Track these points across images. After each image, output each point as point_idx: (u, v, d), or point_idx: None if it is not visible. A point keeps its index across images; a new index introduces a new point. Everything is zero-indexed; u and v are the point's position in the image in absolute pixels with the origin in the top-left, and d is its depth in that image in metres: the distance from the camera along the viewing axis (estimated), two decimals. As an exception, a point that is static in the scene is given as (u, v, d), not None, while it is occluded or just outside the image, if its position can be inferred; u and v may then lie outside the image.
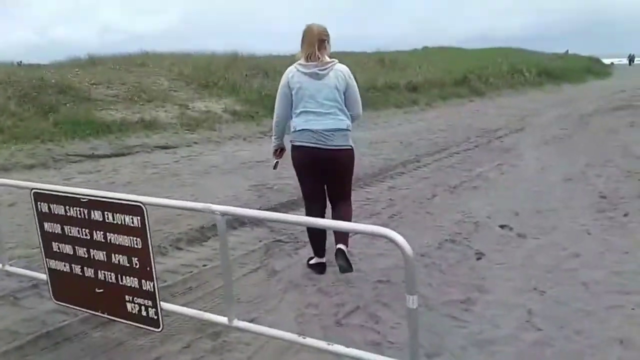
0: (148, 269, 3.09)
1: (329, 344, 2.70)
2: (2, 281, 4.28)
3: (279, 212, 6.08)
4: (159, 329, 3.09)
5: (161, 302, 3.11)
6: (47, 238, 3.46)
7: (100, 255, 3.25)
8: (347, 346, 2.72)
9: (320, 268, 4.48)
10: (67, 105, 11.27)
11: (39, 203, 3.43)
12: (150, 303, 3.12)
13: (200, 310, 3.40)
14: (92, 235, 3.26)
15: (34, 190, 3.43)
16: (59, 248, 3.42)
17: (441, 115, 16.94)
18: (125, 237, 3.13)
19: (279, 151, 4.71)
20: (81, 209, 3.26)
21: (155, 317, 3.12)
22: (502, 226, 5.63)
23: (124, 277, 3.19)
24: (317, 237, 4.50)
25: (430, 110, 18.41)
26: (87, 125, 10.54)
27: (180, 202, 3.08)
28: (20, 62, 17.81)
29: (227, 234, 2.97)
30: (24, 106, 10.78)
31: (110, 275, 3.25)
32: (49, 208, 3.40)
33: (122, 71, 15.15)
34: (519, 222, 5.74)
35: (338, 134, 4.26)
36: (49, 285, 3.52)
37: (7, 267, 3.91)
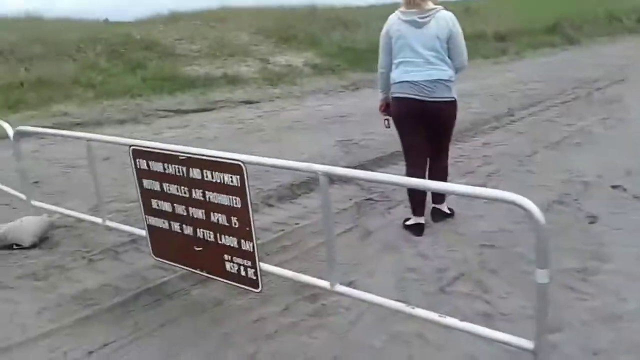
0: (247, 229, 2.99)
1: (440, 316, 2.50)
2: (103, 235, 4.38)
3: (368, 169, 5.87)
4: (258, 290, 3.01)
5: (260, 263, 3.01)
6: (146, 195, 3.43)
7: (199, 213, 3.19)
8: (456, 316, 2.53)
9: (418, 229, 4.26)
10: (153, 61, 11.45)
11: (137, 160, 3.40)
12: (249, 263, 3.04)
13: (296, 271, 3.30)
14: (190, 193, 3.19)
15: (132, 147, 3.40)
16: (158, 205, 3.39)
17: (533, 65, 15.91)
18: (224, 195, 3.03)
19: (386, 106, 4.44)
20: (179, 167, 3.19)
21: (255, 278, 3.03)
22: (614, 186, 5.14)
23: (222, 236, 3.12)
24: (417, 194, 4.27)
25: (520, 60, 17.34)
26: (173, 80, 10.68)
27: (281, 161, 2.92)
28: (107, 19, 18.28)
29: (329, 195, 2.79)
30: (112, 62, 11.05)
31: (209, 233, 3.18)
32: (148, 165, 3.35)
33: (204, 26, 15.21)
34: (633, 183, 5.22)
35: (439, 85, 3.99)
36: (149, 241, 3.53)
37: (107, 222, 3.97)
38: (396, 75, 4.10)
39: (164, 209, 3.37)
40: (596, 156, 6.27)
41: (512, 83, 12.64)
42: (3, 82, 9.33)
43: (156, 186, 3.37)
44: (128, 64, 11.00)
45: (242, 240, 3.04)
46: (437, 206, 4.49)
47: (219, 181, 3.03)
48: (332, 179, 5.76)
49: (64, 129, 7.87)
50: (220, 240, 3.14)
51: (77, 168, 6.73)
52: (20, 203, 4.89)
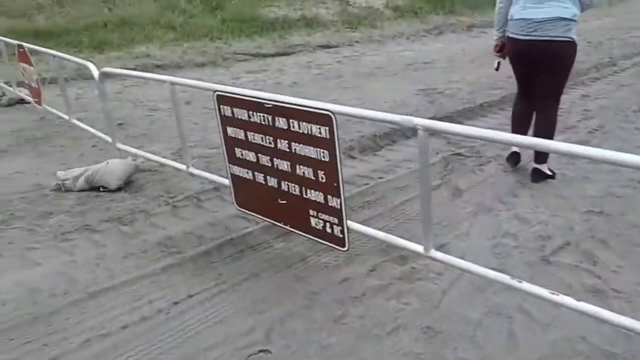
0: (335, 184, 2.80)
1: (552, 293, 2.24)
2: (186, 182, 4.34)
3: (455, 122, 5.52)
4: (345, 248, 2.84)
5: (347, 221, 2.84)
6: (230, 143, 3.30)
7: (284, 165, 3.03)
8: (562, 291, 2.27)
9: (513, 159, 4.24)
10: (232, 1, 11.25)
11: (222, 106, 3.25)
12: (335, 220, 2.87)
13: (382, 230, 3.11)
14: (275, 144, 3.02)
15: (217, 93, 3.25)
16: (242, 154, 3.26)
17: (634, 11, 14.49)
18: (311, 148, 2.84)
19: (501, 47, 4.21)
20: (265, 115, 3.02)
21: (341, 236, 2.86)
22: None
23: (308, 190, 2.95)
24: (520, 124, 4.17)
25: (619, 4, 15.85)
26: (252, 22, 10.48)
27: (376, 112, 2.68)
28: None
29: (428, 152, 2.54)
30: (192, 3, 10.95)
31: (294, 187, 3.02)
32: (232, 112, 3.20)
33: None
34: None
35: (559, 23, 3.67)
36: (232, 191, 3.42)
37: (191, 169, 3.90)
38: (514, 11, 3.87)
39: (248, 158, 3.24)
40: None
41: (610, 29, 11.59)
42: (88, 22, 9.46)
43: (240, 134, 3.22)
44: (207, 5, 10.87)
45: (329, 196, 2.86)
46: (538, 166, 4.13)
47: (306, 132, 2.83)
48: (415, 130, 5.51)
49: (146, 71, 7.92)
50: (306, 194, 2.98)
51: (159, 111, 6.76)
52: (106, 145, 4.94)
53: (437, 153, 4.90)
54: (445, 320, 2.58)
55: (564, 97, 6.40)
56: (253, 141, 3.16)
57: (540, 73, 3.91)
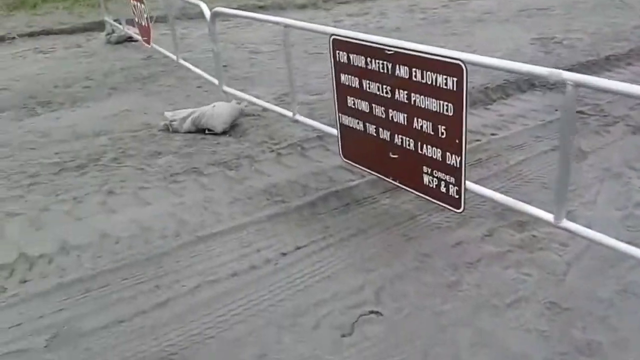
0: (457, 141, 2.60)
1: None
2: (289, 128, 4.27)
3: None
4: (460, 210, 2.66)
5: (467, 182, 2.64)
6: (343, 91, 3.15)
7: (400, 117, 2.85)
8: None
9: None
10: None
11: (337, 52, 3.09)
12: (452, 180, 2.68)
13: (496, 191, 2.88)
14: (393, 94, 2.84)
15: (333, 37, 3.08)
16: (354, 104, 3.11)
17: None
18: (434, 100, 2.63)
19: None
20: (385, 62, 2.83)
21: (457, 197, 2.68)
22: None
23: (425, 145, 2.76)
24: None
25: None
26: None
27: (514, 64, 2.41)
28: None
29: (575, 111, 2.26)
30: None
31: (409, 141, 2.85)
32: (348, 58, 3.03)
33: None
34: None
35: None
36: (339, 142, 3.30)
37: (297, 117, 3.81)
38: None
39: (360, 108, 3.08)
40: None
41: None
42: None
43: (355, 82, 3.06)
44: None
45: (448, 153, 2.66)
46: None
47: (430, 82, 2.62)
48: (534, 82, 5.10)
49: (249, 11, 7.84)
50: (421, 150, 2.80)
51: (261, 54, 6.70)
52: (212, 86, 4.95)
53: (555, 110, 4.51)
54: (571, 296, 2.36)
55: None
56: (368, 90, 2.99)
57: None
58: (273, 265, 2.66)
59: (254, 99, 4.42)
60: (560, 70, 2.20)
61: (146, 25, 5.79)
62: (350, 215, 3.09)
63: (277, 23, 3.64)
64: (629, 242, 2.32)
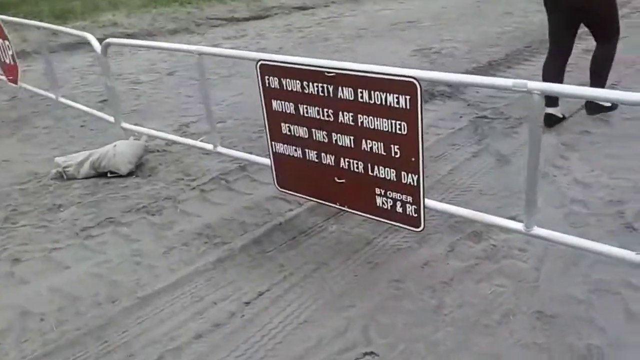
0: (413, 159, 2.52)
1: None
2: (202, 161, 3.95)
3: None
4: (420, 229, 2.58)
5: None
6: (275, 118, 2.95)
7: (345, 140, 2.71)
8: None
9: (548, 120, 4.11)
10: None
11: (267, 77, 2.88)
12: (409, 199, 2.59)
13: (442, 202, 2.86)
14: (336, 117, 2.70)
15: (261, 63, 2.87)
16: (289, 130, 2.92)
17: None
18: (384, 120, 2.53)
19: None
20: (325, 85, 2.68)
21: (416, 215, 2.59)
22: None
23: (376, 166, 2.65)
24: (550, 80, 3.96)
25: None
26: (221, -15, 9.85)
27: (481, 78, 2.41)
28: None
29: (541, 121, 2.27)
30: (154, -35, 10.19)
31: (357, 164, 2.72)
32: (280, 83, 2.84)
33: None
34: None
35: None
36: (273, 170, 3.08)
37: (219, 149, 3.51)
38: None
39: (297, 134, 2.90)
40: None
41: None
42: (45, -10, 8.64)
43: (289, 108, 2.87)
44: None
45: (404, 173, 2.57)
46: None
47: (378, 102, 2.52)
48: (433, 92, 5.25)
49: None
50: (372, 171, 2.68)
51: (143, 84, 6.24)
52: (97, 123, 4.47)
53: (460, 116, 4.66)
54: (552, 302, 2.36)
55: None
56: (306, 115, 2.82)
57: (581, 17, 3.95)
58: (240, 318, 2.36)
59: (162, 134, 4.05)
60: (525, 81, 2.19)
61: (11, 62, 5.10)
62: (302, 249, 2.87)
63: (190, 52, 3.32)
64: (595, 240, 2.37)
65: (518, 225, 2.42)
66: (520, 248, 2.74)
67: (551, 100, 4.10)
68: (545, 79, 4.13)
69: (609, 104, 4.20)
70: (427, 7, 9.91)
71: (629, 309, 2.30)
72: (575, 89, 2.26)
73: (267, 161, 3.22)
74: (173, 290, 2.59)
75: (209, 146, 3.53)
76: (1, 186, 3.77)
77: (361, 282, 2.57)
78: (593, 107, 4.26)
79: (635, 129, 4.01)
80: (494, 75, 5.80)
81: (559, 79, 4.09)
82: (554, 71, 4.15)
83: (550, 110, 4.15)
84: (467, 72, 5.89)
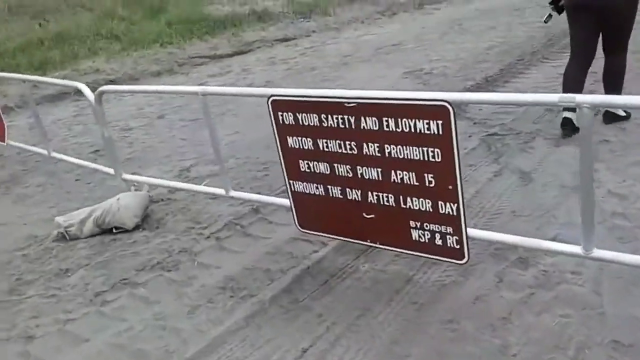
0: (450, 187, 2.36)
1: None
2: (209, 207, 3.74)
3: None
4: (463, 261, 2.40)
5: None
6: (292, 155, 2.77)
7: (372, 173, 2.54)
8: None
9: (565, 128, 4.06)
10: (171, 3, 10.47)
11: (280, 113, 2.71)
12: (449, 230, 2.41)
13: (475, 228, 2.68)
14: (360, 149, 2.52)
15: (272, 99, 2.70)
16: (308, 167, 2.74)
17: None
18: (414, 148, 2.37)
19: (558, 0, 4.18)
20: (346, 117, 2.51)
21: (458, 247, 2.41)
22: None
23: (408, 198, 2.47)
24: (572, 89, 3.88)
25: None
26: (200, 22, 9.76)
27: (523, 95, 2.25)
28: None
29: (591, 136, 2.12)
30: (130, 8, 10.08)
31: (387, 197, 2.54)
32: (295, 118, 2.67)
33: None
34: None
35: None
36: (293, 211, 2.89)
37: (232, 193, 3.31)
38: None
39: (318, 170, 2.72)
40: None
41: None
42: (21, 41, 8.44)
43: (307, 144, 2.70)
44: (148, 9, 10.02)
45: (440, 202, 2.40)
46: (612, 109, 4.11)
47: (407, 130, 2.36)
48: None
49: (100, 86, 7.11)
50: (405, 203, 2.50)
51: (134, 130, 6.01)
52: (95, 177, 4.24)
53: (469, 136, 4.52)
54: (624, 329, 2.17)
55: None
56: (326, 149, 2.64)
57: (602, 25, 3.90)
58: (289, 382, 2.14)
59: (166, 182, 3.84)
60: (573, 95, 2.04)
61: (-3, 120, 4.87)
62: (338, 294, 2.66)
63: (193, 93, 3.13)
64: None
65: (576, 249, 2.24)
66: (573, 271, 2.57)
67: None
68: (568, 86, 4.07)
69: (624, 113, 4.14)
70: (407, 29, 9.90)
71: None
72: (627, 99, 2.11)
73: (284, 201, 3.05)
74: (208, 355, 2.35)
75: (221, 191, 3.32)
76: (0, 253, 3.51)
77: (411, 326, 2.36)
78: (610, 116, 4.18)
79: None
80: (493, 91, 5.71)
81: (580, 87, 4.05)
82: (578, 78, 4.09)
83: (568, 114, 4.03)
84: (464, 90, 5.79)
